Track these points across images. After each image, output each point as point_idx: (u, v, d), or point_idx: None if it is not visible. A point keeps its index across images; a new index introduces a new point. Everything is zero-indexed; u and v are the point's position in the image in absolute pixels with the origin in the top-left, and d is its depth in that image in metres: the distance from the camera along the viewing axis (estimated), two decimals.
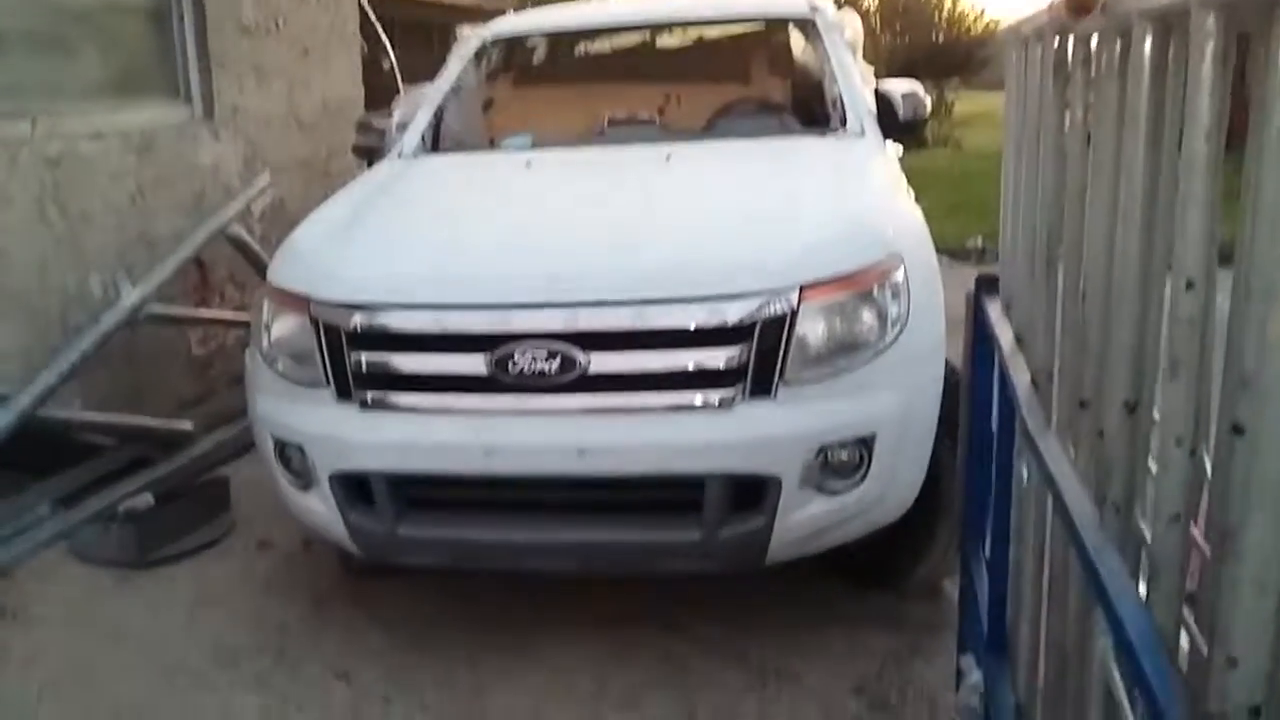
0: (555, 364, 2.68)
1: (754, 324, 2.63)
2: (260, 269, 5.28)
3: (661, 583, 3.39)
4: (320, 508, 2.96)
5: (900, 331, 2.75)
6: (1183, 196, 0.96)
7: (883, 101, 4.00)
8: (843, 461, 2.71)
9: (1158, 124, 1.11)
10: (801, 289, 2.66)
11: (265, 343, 3.08)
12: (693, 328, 2.65)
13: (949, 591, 3.31)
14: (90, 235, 4.48)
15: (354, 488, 2.88)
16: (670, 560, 2.84)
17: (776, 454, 2.66)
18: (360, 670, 3.08)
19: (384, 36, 7.18)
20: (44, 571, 3.68)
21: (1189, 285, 0.93)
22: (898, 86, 4.06)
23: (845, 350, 2.70)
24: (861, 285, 2.74)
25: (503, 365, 2.71)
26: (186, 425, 4.47)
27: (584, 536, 2.79)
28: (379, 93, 6.91)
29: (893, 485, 2.79)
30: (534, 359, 2.69)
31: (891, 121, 3.94)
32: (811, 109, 4.28)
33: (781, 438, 2.65)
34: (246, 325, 5.23)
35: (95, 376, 4.30)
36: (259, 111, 5.60)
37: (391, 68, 7.24)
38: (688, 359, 2.67)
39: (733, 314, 2.64)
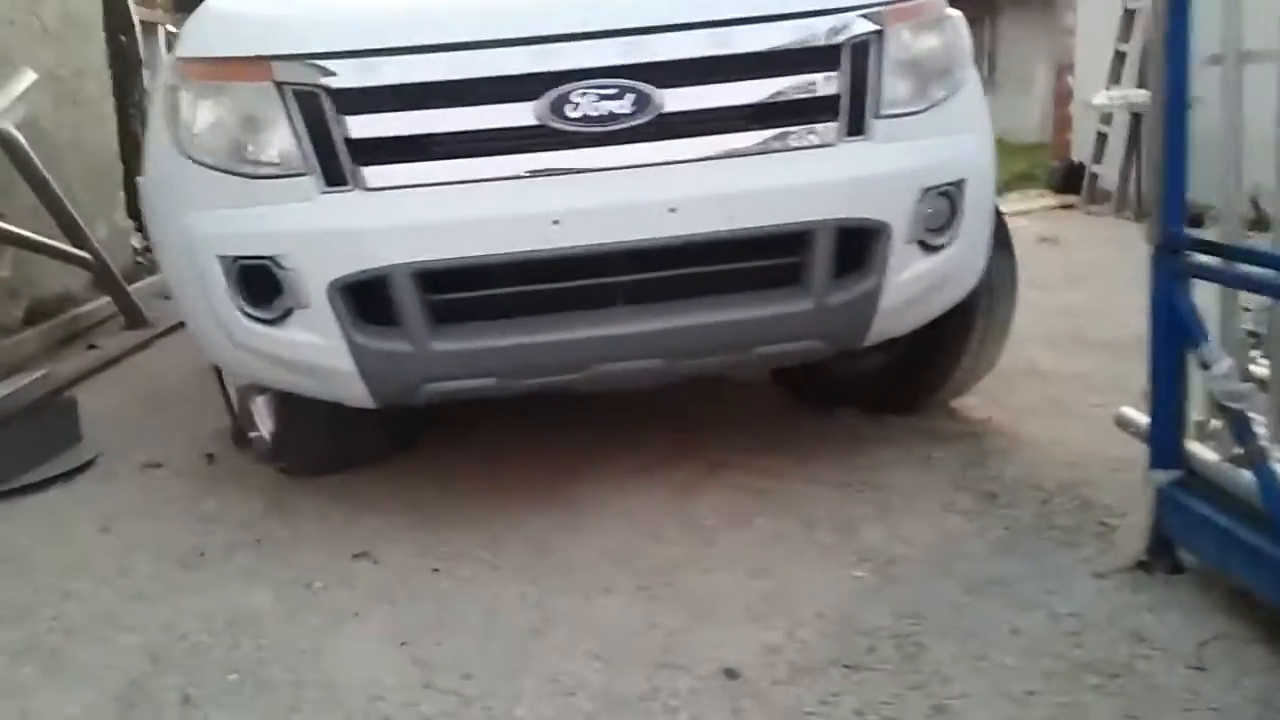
0: (626, 104, 2.20)
1: (843, 45, 2.34)
2: (32, 177, 4.25)
3: (680, 442, 2.91)
4: (310, 339, 2.25)
5: (965, 73, 2.58)
6: None
7: None
8: (939, 211, 2.47)
9: None
10: (884, 4, 2.39)
11: (187, 139, 2.32)
12: (780, 49, 2.30)
13: (962, 412, 3.13)
14: None
15: (364, 300, 2.21)
16: (774, 341, 2.42)
17: (885, 197, 2.38)
18: (383, 550, 2.38)
19: None
20: None
21: None
22: None
23: (929, 82, 2.48)
24: (934, 11, 2.55)
25: (558, 111, 2.20)
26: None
27: (675, 322, 2.30)
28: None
29: (974, 245, 2.60)
30: (598, 100, 2.19)
31: None
32: None
33: (888, 178, 2.38)
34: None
35: None
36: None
37: None
38: (779, 88, 2.31)
39: (821, 31, 2.32)
